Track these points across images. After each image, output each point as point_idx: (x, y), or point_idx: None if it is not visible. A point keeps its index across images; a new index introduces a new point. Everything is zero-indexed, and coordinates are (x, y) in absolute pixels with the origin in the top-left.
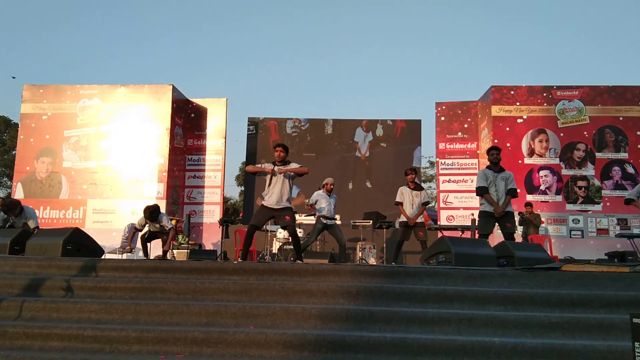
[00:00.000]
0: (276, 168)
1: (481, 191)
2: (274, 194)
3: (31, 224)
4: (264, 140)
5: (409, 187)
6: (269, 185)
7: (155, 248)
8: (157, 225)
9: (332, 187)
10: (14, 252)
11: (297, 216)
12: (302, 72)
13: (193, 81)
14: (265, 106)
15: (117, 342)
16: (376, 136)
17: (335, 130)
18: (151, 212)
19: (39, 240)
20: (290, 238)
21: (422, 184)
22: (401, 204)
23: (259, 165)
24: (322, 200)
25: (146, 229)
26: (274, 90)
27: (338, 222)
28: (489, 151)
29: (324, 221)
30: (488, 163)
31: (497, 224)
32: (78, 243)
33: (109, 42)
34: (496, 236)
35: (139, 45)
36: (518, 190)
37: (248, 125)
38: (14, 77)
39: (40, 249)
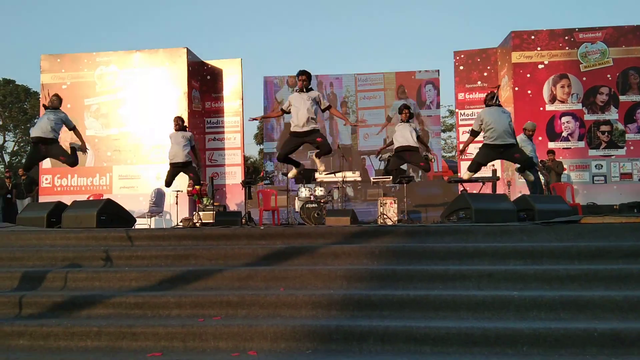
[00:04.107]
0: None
1: (472, 134)
2: (299, 116)
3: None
4: None
5: (402, 121)
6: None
7: (182, 211)
8: (183, 137)
9: (531, 132)
10: (50, 224)
11: (316, 174)
12: (314, 27)
13: (206, 43)
14: (280, 65)
15: (158, 308)
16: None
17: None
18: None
19: (74, 212)
20: (311, 197)
21: (442, 133)
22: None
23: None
24: (528, 146)
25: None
26: (288, 49)
27: (358, 178)
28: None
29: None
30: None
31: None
32: (111, 213)
33: (121, 6)
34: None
35: (150, 9)
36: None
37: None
38: None
39: (76, 221)
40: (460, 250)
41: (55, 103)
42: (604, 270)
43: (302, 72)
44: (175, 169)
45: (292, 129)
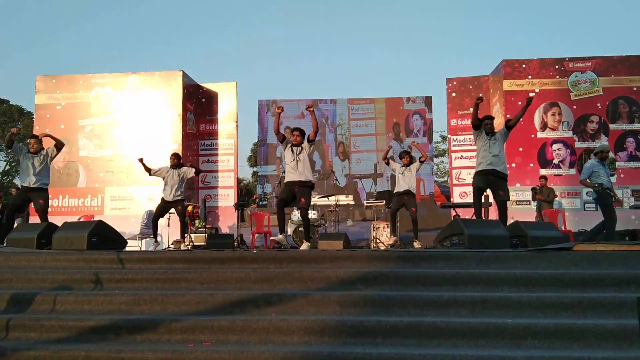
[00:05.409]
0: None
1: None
2: (293, 170)
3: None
4: None
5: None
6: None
7: (173, 233)
8: (178, 176)
9: (607, 155)
10: (40, 245)
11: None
12: (309, 53)
13: (203, 66)
14: (274, 88)
15: (148, 332)
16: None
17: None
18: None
19: (65, 233)
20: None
21: (434, 159)
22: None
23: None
24: (600, 171)
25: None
26: (283, 72)
27: (352, 202)
28: (483, 120)
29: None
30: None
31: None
32: (102, 235)
33: (119, 30)
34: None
35: (148, 33)
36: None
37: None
38: None
39: (67, 242)
40: (454, 276)
41: (36, 147)
42: (597, 298)
43: (297, 129)
44: (165, 204)
45: (287, 179)
